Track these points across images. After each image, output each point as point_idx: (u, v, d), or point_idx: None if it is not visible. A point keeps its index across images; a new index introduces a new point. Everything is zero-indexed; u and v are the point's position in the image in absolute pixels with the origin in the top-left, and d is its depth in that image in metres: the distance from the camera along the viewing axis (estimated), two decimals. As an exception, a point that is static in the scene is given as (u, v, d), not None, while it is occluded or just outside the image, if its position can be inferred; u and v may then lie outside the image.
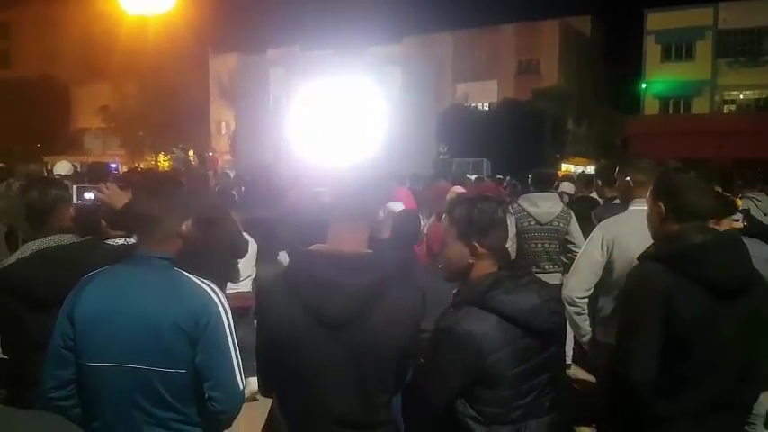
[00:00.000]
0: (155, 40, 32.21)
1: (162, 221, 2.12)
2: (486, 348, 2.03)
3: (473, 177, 14.16)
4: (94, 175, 5.96)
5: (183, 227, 2.16)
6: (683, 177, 2.54)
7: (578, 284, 3.46)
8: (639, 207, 3.42)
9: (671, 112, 35.22)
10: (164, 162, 39.33)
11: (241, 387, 2.06)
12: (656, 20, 34.79)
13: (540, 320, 2.10)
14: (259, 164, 9.41)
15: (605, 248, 3.43)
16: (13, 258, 2.82)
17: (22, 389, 2.69)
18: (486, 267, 2.18)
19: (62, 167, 8.58)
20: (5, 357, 2.93)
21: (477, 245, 2.18)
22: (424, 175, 11.11)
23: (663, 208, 2.50)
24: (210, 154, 39.85)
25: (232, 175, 12.08)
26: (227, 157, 39.38)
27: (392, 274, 2.04)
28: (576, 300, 3.41)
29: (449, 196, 6.15)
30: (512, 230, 5.11)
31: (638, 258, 2.52)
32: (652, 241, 2.69)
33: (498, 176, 19.39)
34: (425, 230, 5.64)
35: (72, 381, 2.03)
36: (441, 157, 22.14)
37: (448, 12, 59.82)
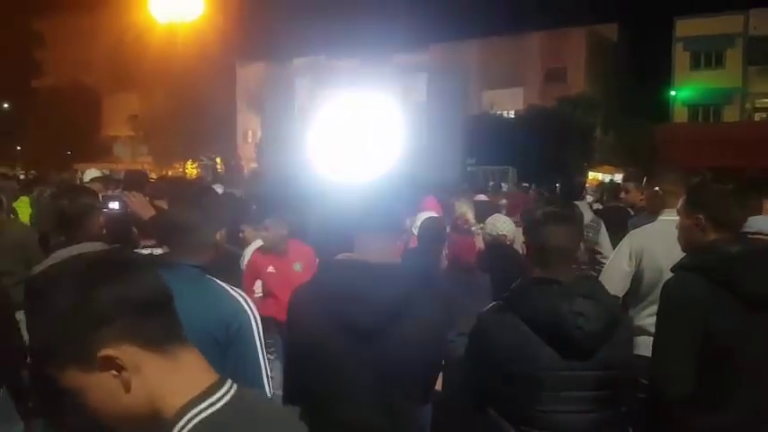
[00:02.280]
0: (183, 49, 32.72)
1: (196, 230, 2.14)
2: (501, 350, 2.04)
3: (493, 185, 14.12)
4: (131, 182, 6.03)
5: (217, 236, 2.18)
6: (720, 188, 2.52)
7: None
8: (669, 217, 3.39)
9: (700, 120, 34.73)
10: (191, 170, 39.81)
11: (269, 396, 2.06)
12: (685, 27, 34.41)
13: (562, 330, 2.01)
14: (283, 174, 9.46)
15: (633, 259, 3.39)
16: (44, 266, 2.83)
17: (50, 394, 2.73)
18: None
19: (91, 175, 8.72)
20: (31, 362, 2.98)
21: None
22: (451, 185, 11.08)
23: (701, 219, 2.47)
24: (233, 162, 40.25)
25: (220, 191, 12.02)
26: (253, 164, 39.72)
27: (420, 285, 2.03)
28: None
29: (457, 206, 6.12)
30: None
31: (673, 269, 2.49)
32: (681, 252, 2.66)
33: (524, 185, 19.26)
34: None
35: None
36: (468, 168, 22.03)
37: (474, 19, 59.74)
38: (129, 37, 37.69)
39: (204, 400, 1.02)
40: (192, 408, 1.01)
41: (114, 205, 3.29)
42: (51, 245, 4.28)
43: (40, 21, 51.65)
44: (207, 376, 1.06)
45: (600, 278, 3.59)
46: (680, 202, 2.68)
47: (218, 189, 8.46)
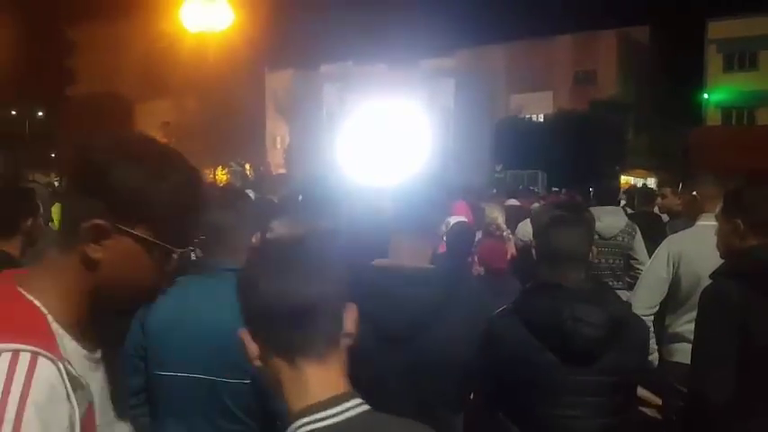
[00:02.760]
0: (214, 57, 33.15)
1: (232, 232, 2.14)
2: (505, 353, 2.05)
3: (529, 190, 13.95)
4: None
5: (253, 239, 2.20)
6: (758, 192, 2.47)
7: (644, 301, 3.38)
8: (707, 222, 3.33)
9: (734, 122, 34.11)
10: (221, 175, 40.26)
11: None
12: (717, 29, 33.88)
13: (562, 335, 1.98)
14: (312, 175, 9.51)
15: (671, 265, 3.35)
16: None
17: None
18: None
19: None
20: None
21: None
22: (478, 190, 11.03)
23: (740, 224, 2.43)
24: (262, 168, 40.63)
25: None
26: (282, 170, 40.07)
27: (453, 289, 2.02)
28: (642, 317, 3.32)
29: (488, 212, 6.07)
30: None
31: (711, 276, 2.44)
32: (720, 258, 2.61)
33: (554, 189, 19.09)
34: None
35: (142, 389, 2.07)
36: (496, 175, 21.96)
37: (501, 23, 59.62)
38: (161, 45, 38.33)
39: (321, 411, 1.07)
40: (306, 415, 1.07)
41: None
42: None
43: (74, 30, 52.72)
44: (334, 387, 1.11)
45: (638, 284, 3.54)
46: (718, 208, 2.64)
47: (249, 194, 8.54)
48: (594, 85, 36.46)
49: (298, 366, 1.11)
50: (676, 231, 4.41)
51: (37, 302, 1.06)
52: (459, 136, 21.73)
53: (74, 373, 1.02)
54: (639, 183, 29.80)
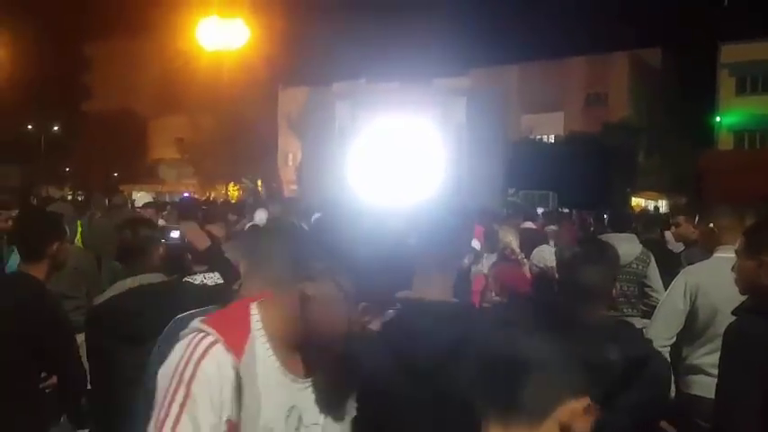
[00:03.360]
0: (229, 74, 33.46)
1: (284, 266, 2.16)
2: None
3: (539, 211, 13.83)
4: (184, 210, 6.15)
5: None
6: None
7: (660, 333, 3.38)
8: (724, 255, 3.34)
9: (746, 146, 33.99)
10: (233, 191, 40.48)
11: None
12: (730, 52, 33.88)
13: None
14: (328, 200, 9.50)
15: (688, 297, 3.35)
16: (107, 295, 2.94)
17: (110, 421, 2.80)
18: None
19: (143, 198, 8.94)
20: (91, 389, 3.06)
21: None
22: (491, 211, 10.91)
23: (764, 261, 2.42)
24: (275, 185, 40.82)
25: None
26: (293, 186, 40.21)
27: (479, 323, 2.03)
28: (659, 349, 3.32)
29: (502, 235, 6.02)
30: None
31: (735, 312, 2.44)
32: (737, 290, 2.61)
33: (565, 210, 19.01)
34: (484, 268, 5.51)
35: None
36: (509, 198, 21.87)
37: (514, 44, 59.84)
38: (177, 63, 38.71)
39: None
40: None
41: (174, 235, 3.38)
42: (107, 266, 4.40)
43: (90, 46, 53.34)
44: None
45: (654, 316, 3.54)
46: (739, 244, 2.63)
47: (262, 213, 8.57)
48: (606, 106, 36.49)
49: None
50: (692, 261, 4.41)
51: (256, 317, 1.42)
52: (471, 155, 21.71)
53: (249, 369, 1.35)
54: (651, 205, 29.70)
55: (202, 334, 1.35)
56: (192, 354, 1.33)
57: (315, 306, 1.39)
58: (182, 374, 1.31)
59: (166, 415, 1.29)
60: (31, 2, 43.45)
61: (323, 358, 1.44)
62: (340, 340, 1.43)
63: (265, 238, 2.28)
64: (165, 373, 1.35)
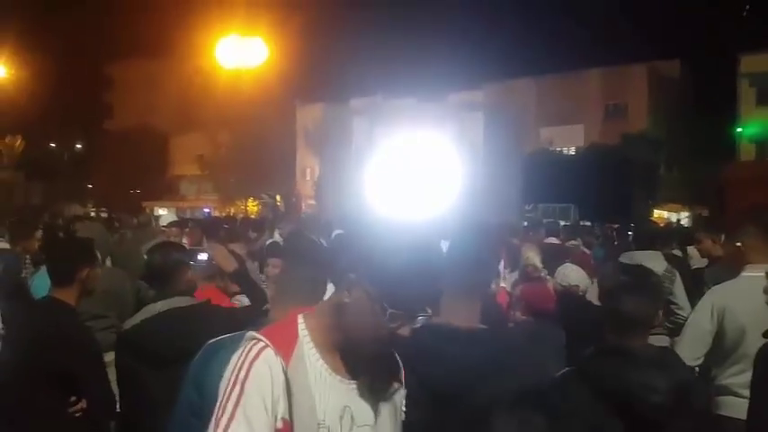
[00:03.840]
0: (247, 92, 33.79)
1: (314, 291, 2.15)
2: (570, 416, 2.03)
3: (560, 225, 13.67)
4: (208, 231, 6.21)
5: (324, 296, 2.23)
6: None
7: (687, 353, 3.34)
8: (752, 273, 3.30)
9: (768, 157, 33.54)
10: (252, 207, 40.74)
11: None
12: (750, 63, 33.56)
13: (630, 402, 1.96)
14: (348, 216, 9.52)
15: (715, 317, 3.31)
16: (137, 320, 2.97)
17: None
18: None
19: (167, 218, 9.04)
20: (121, 412, 3.07)
21: None
22: (510, 226, 10.85)
23: None
24: (294, 200, 41.04)
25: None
26: (311, 201, 40.41)
27: (507, 349, 2.04)
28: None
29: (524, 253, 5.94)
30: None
31: (765, 335, 2.42)
32: (766, 310, 2.59)
33: (586, 222, 18.87)
34: (507, 285, 5.42)
35: None
36: (527, 215, 21.80)
37: (530, 57, 59.89)
38: (196, 81, 39.18)
39: None
40: None
41: (202, 257, 3.42)
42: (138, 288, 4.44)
43: (111, 66, 54.18)
44: None
45: (681, 336, 3.50)
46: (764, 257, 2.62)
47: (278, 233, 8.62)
48: (625, 118, 36.26)
49: None
50: (715, 279, 4.36)
51: (302, 326, 1.57)
52: (488, 170, 21.67)
53: (299, 372, 1.50)
54: (674, 218, 29.42)
55: (254, 341, 1.49)
56: (245, 358, 1.46)
57: (349, 313, 1.51)
58: (237, 376, 1.44)
59: (223, 412, 1.42)
60: (54, 23, 44.31)
61: (364, 361, 1.55)
62: (374, 344, 1.52)
63: (286, 261, 2.30)
64: (224, 378, 1.48)
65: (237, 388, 1.43)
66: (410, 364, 1.97)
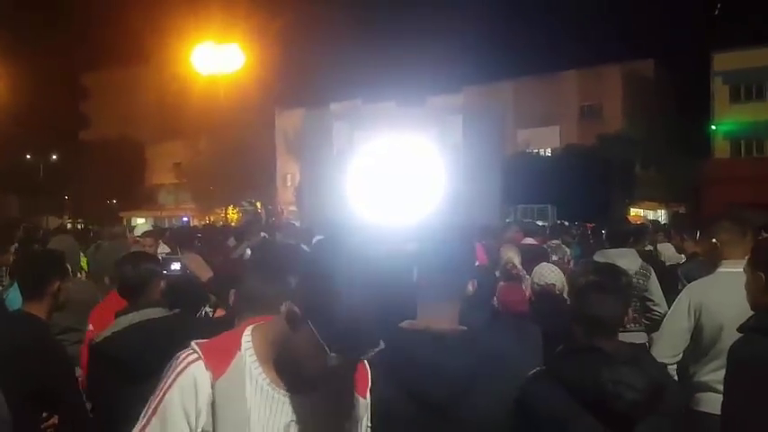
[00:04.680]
0: (225, 98, 33.65)
1: (273, 303, 2.16)
2: (543, 419, 2.04)
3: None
4: (179, 239, 6.16)
5: (283, 307, 2.21)
6: None
7: (666, 351, 3.37)
8: (728, 269, 3.33)
9: (743, 153, 34.10)
10: (232, 215, 40.47)
11: None
12: (723, 61, 34.06)
13: (603, 400, 1.98)
14: (331, 221, 9.46)
15: (692, 314, 3.33)
16: (109, 332, 2.91)
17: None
18: None
19: (141, 227, 8.93)
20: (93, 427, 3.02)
21: None
22: (494, 229, 10.86)
23: (763, 278, 2.43)
24: (270, 207, 40.84)
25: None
26: (292, 207, 40.24)
27: (490, 352, 2.00)
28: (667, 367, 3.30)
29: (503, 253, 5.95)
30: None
31: (741, 329, 2.43)
32: (743, 306, 2.60)
33: (564, 222, 19.01)
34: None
35: None
36: (507, 220, 21.93)
37: (507, 60, 60.29)
38: (173, 89, 38.91)
39: None
40: None
41: (175, 267, 3.37)
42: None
43: (87, 75, 53.74)
44: None
45: (659, 333, 3.52)
46: (747, 260, 2.63)
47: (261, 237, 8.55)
48: (601, 118, 36.65)
49: None
50: (690, 276, 4.41)
51: (247, 338, 1.52)
52: (468, 172, 21.68)
53: (234, 386, 1.45)
54: (650, 215, 29.74)
55: (189, 350, 1.48)
56: (174, 368, 1.46)
57: (291, 345, 1.44)
58: (162, 385, 1.45)
59: (142, 420, 1.45)
60: (29, 33, 43.77)
61: (313, 377, 1.46)
62: (317, 374, 1.44)
63: (250, 268, 2.31)
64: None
65: (159, 396, 1.45)
66: (389, 370, 1.94)
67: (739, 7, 39.00)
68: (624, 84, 37.28)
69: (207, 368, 1.44)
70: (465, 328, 2.05)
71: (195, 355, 1.46)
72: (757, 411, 2.22)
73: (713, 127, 34.64)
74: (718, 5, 33.48)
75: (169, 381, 1.45)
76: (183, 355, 1.48)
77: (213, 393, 1.43)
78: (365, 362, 1.63)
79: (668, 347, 3.38)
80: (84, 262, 6.69)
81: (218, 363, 1.46)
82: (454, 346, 1.94)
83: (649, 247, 7.16)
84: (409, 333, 2.00)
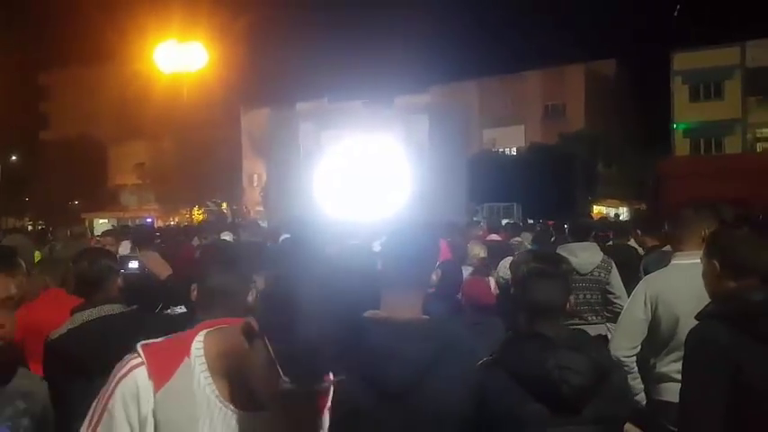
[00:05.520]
0: (188, 97, 33.24)
1: (236, 295, 2.16)
2: (491, 406, 2.06)
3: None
4: (139, 238, 6.05)
5: (250, 298, 2.20)
6: (736, 233, 2.52)
7: (624, 343, 3.41)
8: (682, 261, 3.39)
9: (702, 151, 34.93)
10: (198, 215, 40.00)
11: None
12: (682, 60, 34.90)
13: (548, 385, 2.02)
14: (296, 219, 9.43)
15: (649, 305, 3.38)
16: (65, 329, 2.88)
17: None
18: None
19: (103, 227, 8.76)
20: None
21: None
22: (461, 227, 10.99)
23: (717, 266, 2.45)
24: (235, 207, 40.47)
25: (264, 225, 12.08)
26: (259, 208, 39.93)
27: (449, 341, 2.04)
28: (623, 359, 3.34)
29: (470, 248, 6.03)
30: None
31: (697, 317, 2.45)
32: (698, 296, 2.64)
33: (529, 221, 19.24)
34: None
35: None
36: (475, 218, 22.20)
37: (473, 59, 60.82)
38: (135, 87, 38.34)
39: None
40: None
41: (133, 265, 3.33)
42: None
43: (46, 74, 52.63)
44: None
45: (616, 327, 3.57)
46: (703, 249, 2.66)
47: (226, 236, 8.51)
48: (564, 117, 37.19)
49: None
50: (648, 266, 4.50)
51: (198, 345, 1.41)
52: (434, 171, 21.79)
53: (178, 395, 1.36)
54: (612, 212, 30.28)
55: (134, 355, 1.40)
56: (117, 373, 1.39)
57: (244, 360, 1.33)
58: (105, 391, 1.39)
59: (87, 426, 1.39)
60: (-16, 31, 42.71)
61: (265, 399, 1.32)
62: (271, 387, 1.28)
63: (214, 267, 2.27)
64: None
65: (101, 405, 1.38)
66: (356, 359, 1.93)
67: (698, 8, 39.95)
68: (586, 84, 37.89)
69: (149, 376, 1.36)
70: (426, 317, 2.08)
71: (139, 360, 1.38)
72: (712, 398, 2.24)
73: (673, 125, 35.41)
74: (678, 6, 34.23)
75: (111, 386, 1.38)
76: (128, 358, 1.40)
77: (155, 402, 1.35)
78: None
79: (626, 339, 3.42)
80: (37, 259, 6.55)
81: (163, 370, 1.37)
82: (414, 335, 1.96)
83: (610, 243, 7.39)
84: (370, 322, 2.02)
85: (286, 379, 1.23)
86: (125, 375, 1.37)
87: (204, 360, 1.39)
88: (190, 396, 1.37)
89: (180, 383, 1.37)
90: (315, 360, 1.27)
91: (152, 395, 1.35)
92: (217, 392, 1.39)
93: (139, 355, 1.38)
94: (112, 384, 1.38)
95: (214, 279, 2.20)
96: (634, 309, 3.43)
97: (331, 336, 1.27)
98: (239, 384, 1.37)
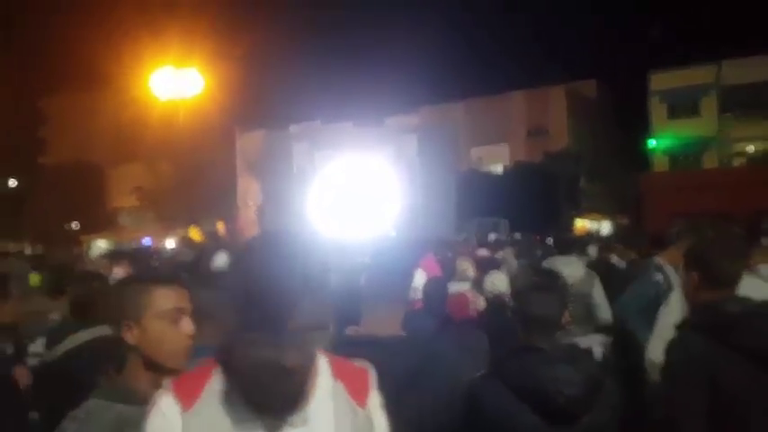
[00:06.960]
0: (184, 121, 34.03)
1: (222, 315, 2.15)
2: (488, 418, 2.12)
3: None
4: (138, 260, 6.35)
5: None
6: (714, 247, 2.54)
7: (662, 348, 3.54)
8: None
9: (681, 167, 35.34)
10: (194, 235, 40.62)
11: None
12: (659, 80, 35.56)
13: (544, 397, 2.06)
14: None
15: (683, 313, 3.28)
16: (59, 351, 2.93)
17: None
18: None
19: (98, 251, 8.88)
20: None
21: None
22: (449, 241, 10.97)
23: (696, 277, 2.50)
24: (231, 227, 41.10)
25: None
26: (254, 227, 40.59)
27: (430, 356, 2.12)
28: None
29: (458, 264, 5.80)
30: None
31: (677, 327, 2.52)
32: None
33: (516, 235, 20.02)
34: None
35: None
36: (464, 235, 22.95)
37: (459, 81, 62.10)
38: (132, 112, 39.01)
39: None
40: None
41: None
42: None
43: (44, 99, 52.93)
44: None
45: (654, 333, 3.53)
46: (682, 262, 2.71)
47: (222, 256, 9.00)
48: (547, 136, 38.01)
49: None
50: (635, 273, 4.88)
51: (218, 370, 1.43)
52: (424, 188, 22.72)
53: (206, 413, 1.40)
54: (595, 227, 31.21)
55: (162, 389, 1.44)
56: (147, 410, 1.43)
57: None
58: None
59: None
60: (-17, 59, 43.41)
61: (278, 385, 1.39)
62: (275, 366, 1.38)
63: (205, 289, 2.28)
64: None
65: None
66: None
67: (674, 29, 41.13)
68: (568, 103, 38.86)
69: (176, 400, 1.40)
70: (404, 335, 2.15)
71: (164, 389, 1.43)
72: (691, 407, 2.29)
73: (653, 142, 36.32)
74: (655, 28, 35.22)
75: (145, 423, 1.42)
76: (157, 393, 1.45)
77: (183, 424, 1.38)
78: (367, 369, 1.57)
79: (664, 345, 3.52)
80: (37, 279, 6.75)
81: (188, 393, 1.40)
82: (392, 352, 1.98)
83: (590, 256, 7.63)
84: (352, 339, 2.11)
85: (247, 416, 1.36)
86: (152, 408, 1.42)
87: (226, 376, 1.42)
88: (217, 414, 1.39)
89: (207, 403, 1.40)
90: (276, 305, 1.40)
91: (179, 418, 1.39)
92: (243, 401, 1.40)
93: (165, 386, 1.44)
94: (145, 421, 1.42)
95: (200, 300, 2.11)
96: (669, 316, 3.38)
97: (292, 284, 1.43)
98: (256, 389, 1.39)
